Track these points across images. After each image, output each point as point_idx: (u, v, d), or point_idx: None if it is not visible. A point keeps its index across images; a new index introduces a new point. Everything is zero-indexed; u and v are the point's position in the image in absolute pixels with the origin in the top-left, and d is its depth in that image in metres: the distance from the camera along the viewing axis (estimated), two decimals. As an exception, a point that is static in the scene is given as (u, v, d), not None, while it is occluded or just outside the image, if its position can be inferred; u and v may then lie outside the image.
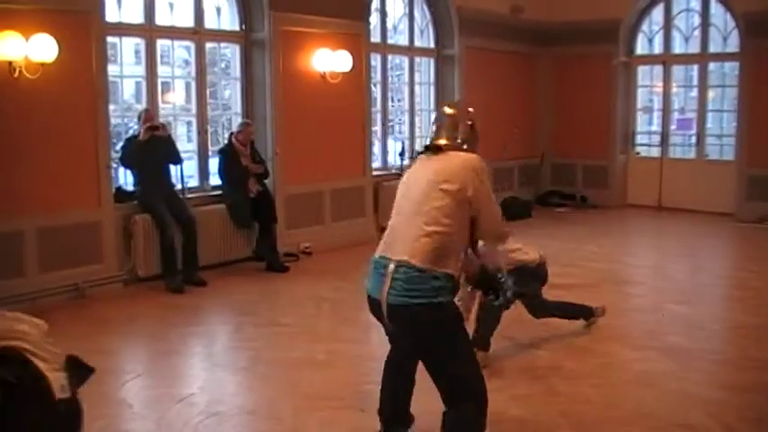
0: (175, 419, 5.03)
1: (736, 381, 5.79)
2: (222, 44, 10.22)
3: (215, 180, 9.57)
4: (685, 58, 14.33)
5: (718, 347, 6.81)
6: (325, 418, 5.05)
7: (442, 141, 4.04)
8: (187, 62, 10.12)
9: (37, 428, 2.45)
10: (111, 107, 8.79)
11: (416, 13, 12.72)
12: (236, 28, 9.89)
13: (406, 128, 12.89)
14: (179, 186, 8.91)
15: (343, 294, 8.26)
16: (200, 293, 8.27)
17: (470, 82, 12.95)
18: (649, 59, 14.59)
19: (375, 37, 11.70)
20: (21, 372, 2.35)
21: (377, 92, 12.05)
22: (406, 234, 3.75)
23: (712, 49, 13.92)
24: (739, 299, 8.47)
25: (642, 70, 14.79)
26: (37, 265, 7.69)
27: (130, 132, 8.87)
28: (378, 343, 6.69)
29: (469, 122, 4.16)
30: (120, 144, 8.72)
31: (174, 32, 9.40)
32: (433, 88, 13.08)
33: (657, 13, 14.41)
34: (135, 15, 8.93)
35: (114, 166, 8.68)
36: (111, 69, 8.69)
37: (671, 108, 14.69)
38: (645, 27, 14.58)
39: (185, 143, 9.89)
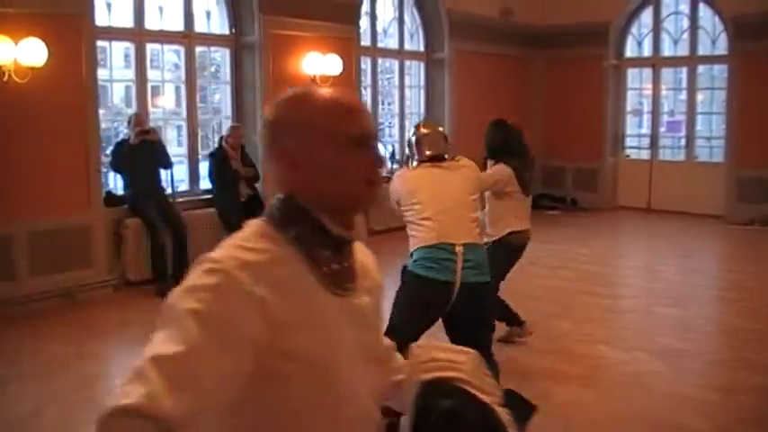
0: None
1: (728, 382, 5.81)
2: (212, 48, 10.23)
3: (205, 184, 9.55)
4: (674, 61, 14.39)
5: (710, 349, 6.83)
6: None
7: (446, 155, 4.83)
8: (177, 66, 10.13)
9: None
10: (101, 111, 8.78)
11: (406, 17, 12.74)
12: (226, 32, 9.89)
13: (396, 131, 12.90)
14: (169, 190, 8.90)
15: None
16: (190, 298, 8.24)
17: (460, 85, 12.97)
18: (639, 62, 14.65)
19: (365, 40, 11.71)
20: (462, 402, 1.95)
21: (367, 95, 12.06)
22: (459, 223, 4.53)
23: (701, 51, 13.97)
24: (730, 300, 8.50)
25: (632, 73, 14.84)
26: (27, 269, 7.67)
27: (120, 137, 8.86)
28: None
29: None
30: (111, 148, 8.71)
31: (163, 36, 9.40)
32: (423, 92, 13.09)
33: (646, 16, 14.46)
34: (124, 19, 8.93)
35: (104, 170, 8.66)
36: (101, 73, 8.69)
37: (660, 110, 14.76)
38: (634, 30, 14.63)
39: (175, 147, 9.90)
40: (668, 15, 14.29)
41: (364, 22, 11.70)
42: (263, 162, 9.74)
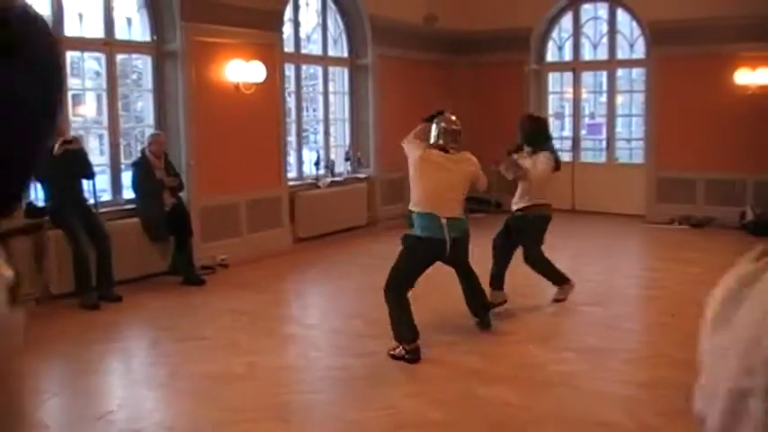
0: (93, 438, 4.94)
1: (649, 378, 5.95)
2: (134, 55, 10.08)
3: (129, 194, 9.42)
4: (594, 65, 14.70)
5: (632, 346, 6.99)
6: (245, 431, 5.02)
7: (452, 145, 7.12)
8: (98, 74, 9.96)
9: None
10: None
11: (329, 23, 12.74)
12: (148, 39, 9.77)
13: (321, 137, 12.89)
14: (92, 201, 8.75)
15: (260, 306, 8.23)
16: (115, 309, 8.12)
17: (385, 91, 13.02)
18: (559, 66, 14.90)
19: (288, 47, 11.68)
20: None
21: (291, 102, 12.03)
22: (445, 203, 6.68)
23: (620, 55, 14.29)
24: (651, 298, 8.71)
25: (553, 77, 15.08)
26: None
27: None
28: (296, 355, 6.70)
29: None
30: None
31: (83, 43, 9.25)
32: (347, 98, 13.10)
33: (566, 22, 14.72)
34: (42, 27, 8.75)
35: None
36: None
37: (581, 113, 15.04)
38: (555, 35, 14.88)
39: (98, 156, 9.70)
40: (587, 20, 14.57)
41: (287, 29, 11.67)
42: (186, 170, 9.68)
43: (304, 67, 12.44)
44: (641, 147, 14.05)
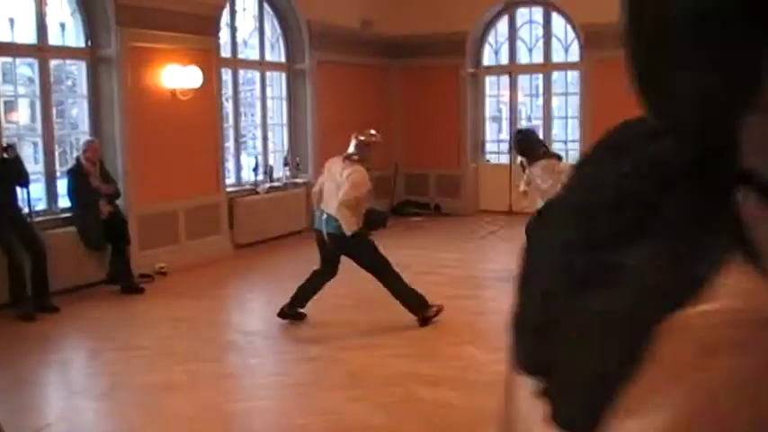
0: (30, 452, 4.86)
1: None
2: (68, 61, 9.94)
3: (64, 202, 9.28)
4: (530, 68, 14.87)
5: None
6: (187, 439, 4.99)
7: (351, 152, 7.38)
8: (31, 80, 9.79)
9: None
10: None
11: (267, 28, 12.70)
12: (82, 44, 9.64)
13: (259, 143, 12.85)
14: (26, 210, 8.60)
15: (200, 313, 8.17)
16: (52, 320, 7.98)
17: (323, 96, 13.02)
18: (496, 70, 15.03)
19: (225, 52, 11.61)
20: None
21: (229, 107, 11.97)
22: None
23: (555, 59, 14.49)
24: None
25: (489, 81, 15.22)
26: None
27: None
28: (237, 362, 6.67)
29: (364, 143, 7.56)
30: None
31: (15, 49, 9.09)
32: (285, 103, 13.08)
33: (502, 26, 14.87)
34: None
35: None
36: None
37: (518, 116, 15.19)
38: (491, 39, 15.02)
39: (32, 164, 9.54)
40: (523, 24, 14.74)
41: (224, 34, 11.60)
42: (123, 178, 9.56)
43: (241, 72, 12.39)
44: (577, 148, 14.25)
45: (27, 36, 9.15)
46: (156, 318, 8.05)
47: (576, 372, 0.65)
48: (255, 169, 12.23)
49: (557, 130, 15.14)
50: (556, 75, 14.81)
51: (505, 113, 15.41)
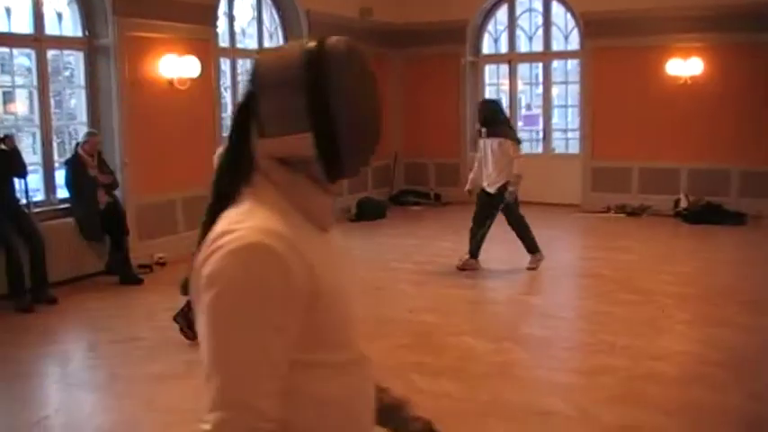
0: (28, 444, 4.85)
1: (589, 366, 6.03)
2: (65, 51, 9.89)
3: (62, 193, 9.25)
4: (530, 57, 14.83)
5: (570, 335, 7.07)
6: None
7: None
8: (29, 70, 9.74)
9: None
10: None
11: (265, 17, 12.65)
12: (79, 34, 9.60)
13: (258, 132, 12.79)
14: (24, 201, 8.57)
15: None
16: (51, 312, 7.96)
17: (322, 84, 12.95)
18: (495, 58, 14.98)
19: (224, 41, 11.57)
20: None
21: (227, 97, 11.93)
22: None
23: (555, 47, 14.45)
24: (587, 287, 8.82)
25: (489, 69, 15.17)
26: None
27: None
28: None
29: None
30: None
31: (12, 40, 9.05)
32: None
33: (502, 14, 14.82)
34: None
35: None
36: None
37: (518, 105, 15.16)
38: (490, 27, 14.97)
39: (30, 155, 9.49)
40: (523, 13, 14.68)
41: (222, 23, 11.55)
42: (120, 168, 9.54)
43: (240, 61, 12.34)
44: (577, 137, 14.22)
45: (23, 26, 9.11)
46: (154, 308, 8.01)
47: None
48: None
49: (556, 119, 15.10)
50: (555, 63, 14.75)
51: (505, 102, 15.33)
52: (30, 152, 9.69)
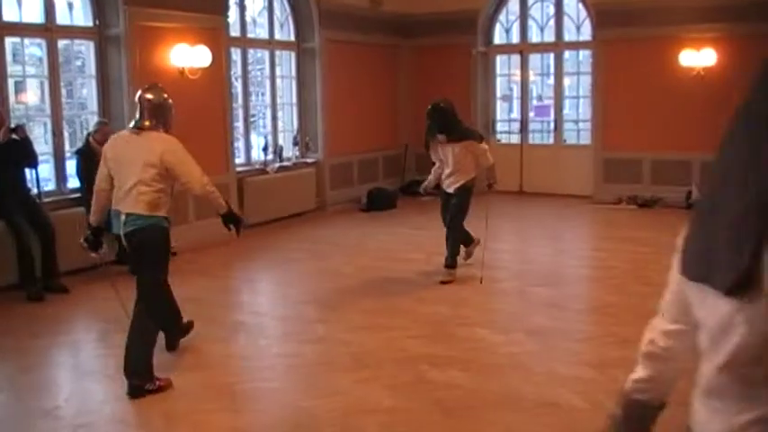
0: (40, 433, 4.86)
1: (600, 358, 5.99)
2: (76, 41, 9.89)
3: (73, 183, 9.26)
4: (541, 47, 14.77)
5: (582, 327, 7.04)
6: (198, 421, 4.98)
7: (146, 123, 6.16)
8: (40, 60, 9.74)
9: None
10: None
11: (276, 7, 12.63)
12: (90, 24, 9.59)
13: (268, 122, 12.80)
14: (35, 190, 8.58)
15: (209, 293, 8.15)
16: (61, 301, 7.98)
17: (332, 75, 12.95)
18: (507, 49, 14.92)
19: (234, 31, 11.56)
20: None
21: (238, 87, 11.92)
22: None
23: (567, 38, 14.38)
24: (598, 278, 8.79)
25: (500, 59, 15.11)
26: None
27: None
28: (245, 343, 6.66)
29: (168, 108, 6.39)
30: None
31: (23, 29, 9.05)
32: (294, 82, 13.01)
33: (513, 4, 14.74)
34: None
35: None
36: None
37: (529, 96, 15.11)
38: (502, 17, 14.90)
39: (41, 145, 9.50)
40: (534, 3, 14.61)
41: (233, 13, 11.53)
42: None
43: (251, 51, 12.33)
44: (588, 128, 14.16)
45: (35, 16, 9.11)
46: (165, 298, 8.02)
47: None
48: (265, 149, 12.19)
49: (568, 110, 15.05)
50: (567, 54, 14.68)
51: (516, 93, 15.34)
52: (41, 142, 9.69)
